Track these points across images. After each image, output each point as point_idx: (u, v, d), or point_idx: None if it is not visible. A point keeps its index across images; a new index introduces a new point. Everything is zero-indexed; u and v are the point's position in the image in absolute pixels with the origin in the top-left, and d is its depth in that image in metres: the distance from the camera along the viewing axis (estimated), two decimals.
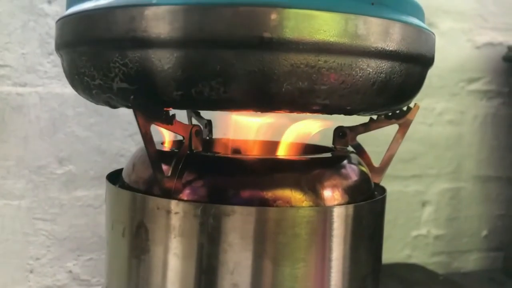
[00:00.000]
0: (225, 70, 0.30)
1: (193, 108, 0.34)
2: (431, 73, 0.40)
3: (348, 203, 0.37)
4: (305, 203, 0.36)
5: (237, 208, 0.34)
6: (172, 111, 0.36)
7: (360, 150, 0.45)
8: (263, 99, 0.32)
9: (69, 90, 0.42)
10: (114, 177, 0.44)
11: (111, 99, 0.36)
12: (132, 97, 0.32)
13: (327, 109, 0.34)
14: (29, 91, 0.70)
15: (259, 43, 0.30)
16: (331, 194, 0.37)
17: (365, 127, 0.45)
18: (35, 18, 0.68)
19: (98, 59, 0.34)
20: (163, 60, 0.31)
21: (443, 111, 0.97)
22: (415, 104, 0.45)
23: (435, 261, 0.99)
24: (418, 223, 0.98)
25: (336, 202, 0.37)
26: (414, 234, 0.97)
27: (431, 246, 0.99)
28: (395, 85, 0.35)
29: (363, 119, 0.44)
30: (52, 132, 0.70)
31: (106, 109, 0.72)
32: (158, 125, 0.34)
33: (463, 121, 0.98)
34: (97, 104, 0.40)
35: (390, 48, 0.33)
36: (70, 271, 0.74)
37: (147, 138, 0.33)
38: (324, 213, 0.35)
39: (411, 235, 0.97)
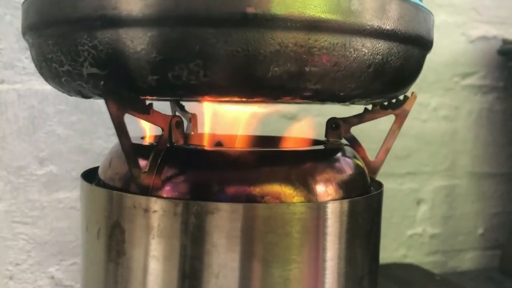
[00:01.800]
0: (205, 51, 0.27)
1: (172, 95, 0.30)
2: (425, 67, 0.38)
3: (342, 198, 0.34)
4: (296, 199, 0.33)
5: (222, 205, 0.31)
6: (151, 102, 0.33)
7: (354, 143, 0.43)
8: (248, 83, 0.29)
9: (49, 86, 0.40)
10: (91, 176, 0.41)
11: (82, 87, 0.33)
12: (102, 82, 0.29)
13: (319, 95, 0.31)
14: (7, 88, 0.67)
15: (242, 20, 0.27)
16: (324, 189, 0.34)
17: (359, 118, 0.42)
18: (11, 12, 0.65)
19: (65, 42, 0.31)
20: (136, 41, 0.28)
21: (438, 106, 0.95)
22: (412, 93, 0.42)
23: (431, 261, 0.97)
24: (413, 222, 0.96)
25: (329, 198, 0.34)
26: (409, 233, 0.95)
27: (426, 245, 0.97)
28: (393, 69, 0.32)
29: (357, 110, 0.41)
30: (31, 131, 0.67)
31: (88, 106, 0.69)
32: (134, 115, 0.31)
33: (457, 116, 0.96)
34: (69, 94, 0.37)
35: (387, 27, 0.30)
36: (52, 277, 0.71)
37: (121, 129, 0.30)
38: (317, 209, 0.32)
39: (406, 234, 0.95)
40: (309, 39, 0.28)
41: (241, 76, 0.28)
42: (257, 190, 0.32)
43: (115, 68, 0.29)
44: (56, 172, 0.69)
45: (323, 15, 0.27)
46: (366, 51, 0.29)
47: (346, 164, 0.37)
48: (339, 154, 0.38)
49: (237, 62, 0.27)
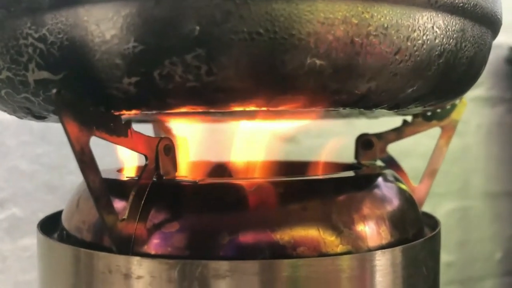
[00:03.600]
0: (210, 34, 0.18)
1: (159, 106, 0.21)
2: None
3: (400, 241, 0.25)
4: (340, 248, 0.23)
5: (237, 264, 0.21)
6: (129, 118, 0.23)
7: (392, 165, 0.33)
8: (272, 83, 0.19)
9: (9, 116, 0.33)
10: (52, 223, 0.31)
11: (30, 101, 0.23)
12: (54, 91, 0.19)
13: (369, 99, 0.22)
14: None
15: None
16: (375, 231, 0.24)
17: (397, 134, 0.33)
18: None
19: (1, 36, 0.21)
20: (104, 24, 0.18)
21: None
22: (462, 99, 0.34)
23: None
24: None
25: (384, 242, 0.24)
26: None
27: (442, 275, 0.89)
28: (465, 60, 0.23)
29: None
30: None
31: (56, 136, 0.61)
32: (104, 138, 0.21)
33: (467, 131, 0.90)
34: (17, 115, 0.27)
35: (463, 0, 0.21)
36: None
37: (85, 159, 0.20)
38: (371, 261, 0.23)
39: None
40: (363, 13, 0.18)
41: (263, 72, 0.19)
42: (285, 238, 0.22)
43: (73, 69, 0.20)
44: (20, 215, 0.61)
45: None
46: (438, 32, 0.20)
47: (394, 193, 0.28)
48: (381, 180, 0.28)
49: (258, 51, 0.18)
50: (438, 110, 0.33)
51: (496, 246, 0.92)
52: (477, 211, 0.90)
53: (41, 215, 0.62)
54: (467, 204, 0.90)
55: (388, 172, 0.31)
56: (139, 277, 0.22)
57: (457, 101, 0.33)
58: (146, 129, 0.34)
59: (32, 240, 0.63)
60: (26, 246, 0.60)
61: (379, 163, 0.34)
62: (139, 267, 0.22)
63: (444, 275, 0.97)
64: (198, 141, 0.36)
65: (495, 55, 0.90)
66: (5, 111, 0.27)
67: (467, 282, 0.90)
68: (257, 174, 0.30)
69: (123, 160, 0.32)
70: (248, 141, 0.27)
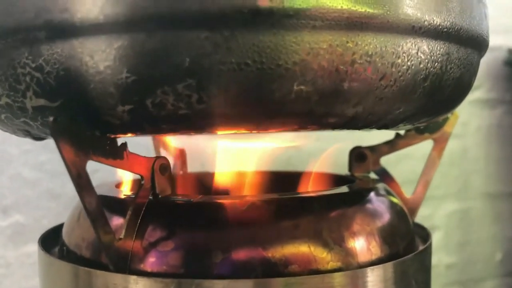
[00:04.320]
0: (199, 65, 0.18)
1: (153, 131, 0.22)
2: None
3: (390, 256, 0.25)
4: (331, 265, 0.24)
5: (230, 284, 0.21)
6: (124, 139, 0.24)
7: (385, 178, 0.34)
8: (262, 109, 0.20)
9: None
10: (54, 236, 0.31)
11: (29, 125, 0.23)
12: (51, 119, 0.20)
13: (357, 121, 0.22)
14: None
15: (253, 18, 0.18)
16: (366, 247, 0.25)
17: (390, 146, 0.34)
18: None
19: (0, 64, 0.22)
20: (97, 56, 0.19)
21: None
22: (453, 112, 0.34)
23: None
24: None
25: (374, 257, 0.25)
26: None
27: (443, 277, 0.90)
28: (452, 81, 0.24)
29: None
30: None
31: None
32: (100, 161, 0.22)
33: (466, 133, 0.90)
34: (17, 135, 0.28)
35: (447, 24, 0.21)
36: None
37: (82, 182, 0.21)
38: (361, 278, 0.23)
39: None
40: (348, 42, 0.19)
41: (252, 99, 0.19)
42: (276, 255, 0.23)
43: (69, 97, 0.21)
44: (23, 222, 0.61)
45: (367, 8, 0.19)
46: (423, 57, 0.21)
47: (386, 208, 0.28)
48: (373, 195, 0.29)
49: (246, 80, 0.19)
50: (431, 124, 0.34)
51: (497, 247, 0.92)
52: (477, 212, 0.91)
53: (44, 222, 0.63)
54: (467, 206, 0.90)
55: (380, 186, 0.31)
56: None
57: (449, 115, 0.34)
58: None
59: (35, 247, 0.63)
60: (30, 252, 0.61)
61: (372, 175, 0.34)
62: (135, 285, 0.22)
63: (445, 277, 0.97)
64: (197, 151, 0.37)
65: (494, 57, 0.90)
66: (5, 131, 0.27)
67: (468, 283, 0.90)
68: (251, 188, 0.30)
69: (122, 175, 0.33)
70: (242, 152, 0.28)
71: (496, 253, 0.92)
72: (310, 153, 0.61)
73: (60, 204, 0.62)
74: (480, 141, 0.90)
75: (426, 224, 0.96)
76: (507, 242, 0.93)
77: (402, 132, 0.34)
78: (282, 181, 0.34)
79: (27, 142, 0.62)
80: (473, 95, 0.89)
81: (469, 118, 0.89)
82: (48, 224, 0.60)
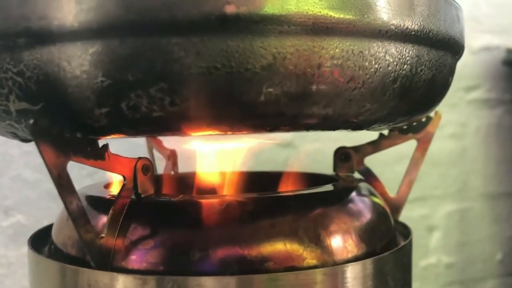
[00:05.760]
0: (170, 70, 0.19)
1: (130, 133, 0.22)
2: None
3: (366, 254, 0.26)
4: (307, 262, 0.24)
5: (206, 281, 0.22)
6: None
7: (370, 177, 0.35)
8: (233, 112, 0.21)
9: None
10: (45, 236, 0.32)
11: (14, 127, 0.24)
12: (31, 121, 0.20)
13: (328, 123, 0.23)
14: None
15: (221, 24, 0.19)
16: (342, 245, 0.26)
17: (374, 146, 0.35)
18: None
19: None
20: (74, 61, 0.20)
21: (444, 123, 0.88)
22: (436, 112, 0.35)
23: None
24: (426, 251, 0.88)
25: (350, 255, 0.26)
26: (422, 264, 0.88)
27: (442, 277, 0.90)
28: (423, 83, 0.24)
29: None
30: None
31: None
32: (82, 162, 0.23)
33: (465, 133, 0.90)
34: (6, 137, 0.29)
35: (416, 27, 0.22)
36: None
37: (62, 183, 0.22)
38: (337, 275, 0.24)
39: (419, 266, 0.87)
40: (314, 46, 0.20)
41: (223, 102, 0.20)
42: (253, 253, 0.24)
43: (50, 100, 0.21)
44: (24, 222, 0.62)
45: (333, 13, 0.20)
46: (391, 60, 0.22)
47: (366, 207, 0.29)
48: (354, 194, 0.30)
49: (216, 83, 0.20)
50: (414, 124, 0.34)
51: (496, 247, 0.92)
52: (476, 213, 0.91)
53: (45, 222, 0.64)
54: (467, 206, 0.90)
55: (362, 185, 0.32)
56: None
57: (431, 114, 0.34)
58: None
59: None
60: None
61: (356, 175, 0.35)
62: (116, 282, 0.23)
63: (445, 276, 0.97)
64: (188, 152, 0.37)
65: (493, 57, 0.91)
66: None
67: (468, 283, 0.90)
68: (235, 188, 0.31)
69: (110, 175, 0.34)
70: (227, 151, 0.29)
71: (495, 253, 0.92)
72: (307, 153, 0.61)
73: (60, 204, 0.62)
74: (479, 141, 0.90)
75: (425, 224, 0.96)
76: (506, 242, 0.93)
77: (385, 133, 0.35)
78: (268, 181, 0.35)
79: (28, 143, 0.63)
80: (473, 95, 0.89)
81: (468, 118, 0.89)
82: (49, 224, 0.61)
